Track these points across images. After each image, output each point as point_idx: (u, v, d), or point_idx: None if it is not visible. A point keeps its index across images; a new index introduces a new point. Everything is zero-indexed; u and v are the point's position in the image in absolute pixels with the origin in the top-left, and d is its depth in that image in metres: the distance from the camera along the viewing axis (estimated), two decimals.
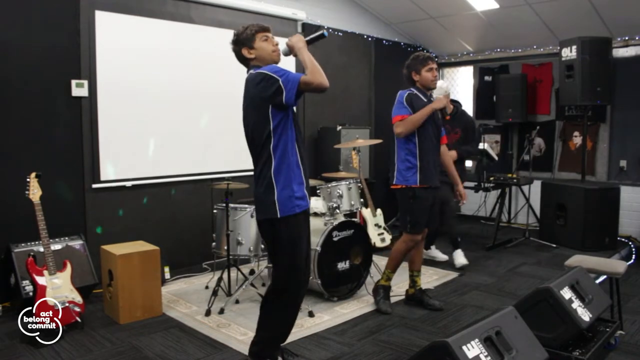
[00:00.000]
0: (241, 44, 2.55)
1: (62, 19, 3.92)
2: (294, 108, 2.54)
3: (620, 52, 5.85)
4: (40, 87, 3.83)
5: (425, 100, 3.55)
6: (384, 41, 6.67)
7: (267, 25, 2.60)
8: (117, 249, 3.51)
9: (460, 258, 4.80)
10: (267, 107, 2.41)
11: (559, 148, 6.50)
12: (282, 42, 2.59)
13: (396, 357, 2.95)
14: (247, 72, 2.59)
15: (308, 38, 2.54)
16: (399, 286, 4.18)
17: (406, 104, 3.47)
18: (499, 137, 6.98)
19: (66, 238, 3.83)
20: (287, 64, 3.83)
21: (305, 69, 2.40)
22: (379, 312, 3.61)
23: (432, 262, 4.94)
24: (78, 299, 3.25)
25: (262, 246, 3.86)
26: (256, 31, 2.54)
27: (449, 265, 4.86)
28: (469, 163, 6.89)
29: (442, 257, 5.02)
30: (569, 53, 5.35)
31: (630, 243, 5.58)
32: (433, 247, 5.05)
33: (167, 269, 4.33)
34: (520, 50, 6.68)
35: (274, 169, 2.47)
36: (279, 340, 2.70)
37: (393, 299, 3.85)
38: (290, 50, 2.53)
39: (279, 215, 2.47)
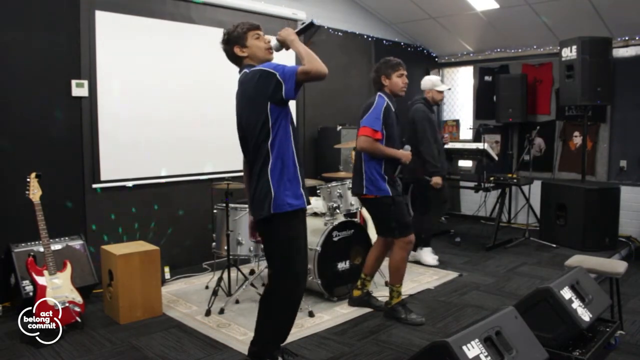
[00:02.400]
0: (233, 43, 2.52)
1: (62, 19, 3.91)
2: (290, 108, 2.53)
3: (620, 52, 5.85)
4: (40, 87, 3.83)
5: (393, 110, 3.44)
6: (384, 41, 6.67)
7: (257, 23, 2.57)
8: (117, 249, 3.52)
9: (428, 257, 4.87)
10: (267, 104, 2.39)
11: (559, 148, 6.50)
12: (273, 39, 2.58)
13: (396, 357, 2.95)
14: (240, 71, 2.56)
15: (298, 29, 2.54)
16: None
17: (382, 118, 3.34)
18: (499, 137, 6.98)
19: (66, 238, 3.82)
20: (285, 59, 3.81)
21: (301, 59, 2.38)
22: (414, 325, 3.39)
23: None
24: (78, 299, 3.25)
25: (262, 246, 3.85)
26: (247, 29, 2.52)
27: (449, 265, 4.86)
28: (469, 163, 6.91)
29: (431, 261, 4.84)
30: (569, 53, 5.34)
31: (630, 243, 5.57)
32: (419, 249, 4.90)
33: (167, 269, 4.33)
34: (520, 50, 6.68)
35: (270, 166, 2.45)
36: (279, 340, 2.69)
37: None
38: (282, 45, 2.51)
39: (272, 212, 2.45)
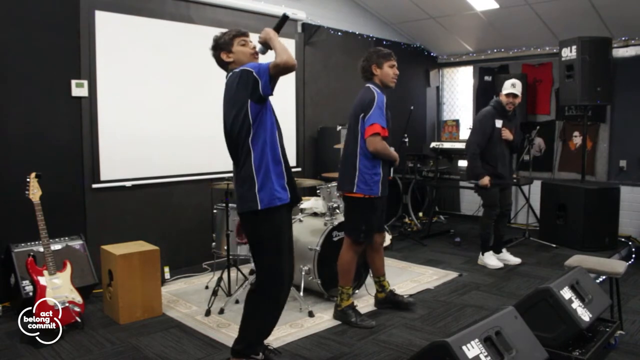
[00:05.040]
0: (220, 49, 2.64)
1: (62, 19, 3.91)
2: (271, 106, 2.56)
3: (620, 52, 5.86)
4: (40, 87, 3.83)
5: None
6: (384, 41, 6.67)
7: (245, 30, 2.67)
8: (117, 249, 3.52)
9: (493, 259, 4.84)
10: (247, 102, 2.45)
11: (559, 148, 6.50)
12: (258, 44, 2.61)
13: (396, 357, 2.95)
14: (227, 76, 2.63)
15: (275, 26, 2.58)
16: (400, 286, 4.18)
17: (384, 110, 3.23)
18: None
19: (66, 238, 3.83)
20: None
21: (276, 55, 2.43)
22: (365, 329, 3.34)
23: (433, 262, 4.94)
24: (78, 299, 3.25)
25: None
26: (234, 36, 2.62)
27: (449, 265, 4.86)
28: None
29: (493, 263, 4.82)
30: (569, 53, 5.34)
31: (630, 243, 5.57)
32: (504, 250, 4.97)
33: (167, 269, 4.33)
34: (520, 50, 6.68)
35: (254, 163, 2.50)
36: (263, 337, 2.72)
37: None
38: (265, 46, 2.55)
39: (259, 207, 2.48)
